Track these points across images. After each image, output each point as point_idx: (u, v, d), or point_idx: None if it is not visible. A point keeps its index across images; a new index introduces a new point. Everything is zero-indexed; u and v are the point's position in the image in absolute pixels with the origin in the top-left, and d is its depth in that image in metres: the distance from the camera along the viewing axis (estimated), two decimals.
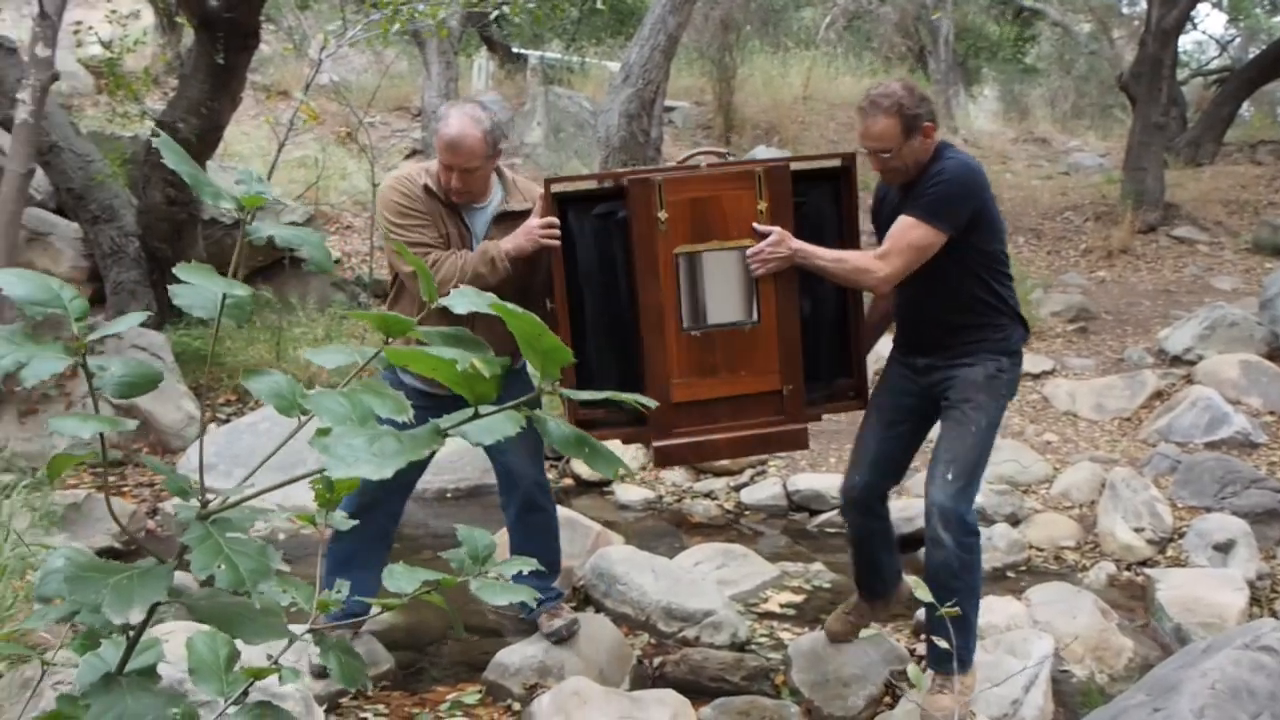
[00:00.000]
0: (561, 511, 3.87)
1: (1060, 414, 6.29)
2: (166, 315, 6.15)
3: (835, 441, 5.74)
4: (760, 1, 16.51)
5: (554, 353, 0.94)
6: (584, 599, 3.98)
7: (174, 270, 1.01)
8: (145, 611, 0.91)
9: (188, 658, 1.15)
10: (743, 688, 3.39)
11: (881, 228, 3.10)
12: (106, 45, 7.31)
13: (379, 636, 3.48)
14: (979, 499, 4.60)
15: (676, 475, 5.57)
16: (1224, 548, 4.38)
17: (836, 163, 3.09)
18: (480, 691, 3.30)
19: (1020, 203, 11.44)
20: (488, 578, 1.18)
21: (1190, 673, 2.31)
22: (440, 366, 0.92)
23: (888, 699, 3.31)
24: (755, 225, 2.90)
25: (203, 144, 6.04)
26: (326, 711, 3.03)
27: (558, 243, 2.91)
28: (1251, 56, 15.75)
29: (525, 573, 1.23)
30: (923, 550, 3.09)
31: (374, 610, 1.20)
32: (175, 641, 1.41)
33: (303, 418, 1.02)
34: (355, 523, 1.42)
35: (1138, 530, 4.62)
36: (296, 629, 1.15)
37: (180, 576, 0.96)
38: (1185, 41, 18.61)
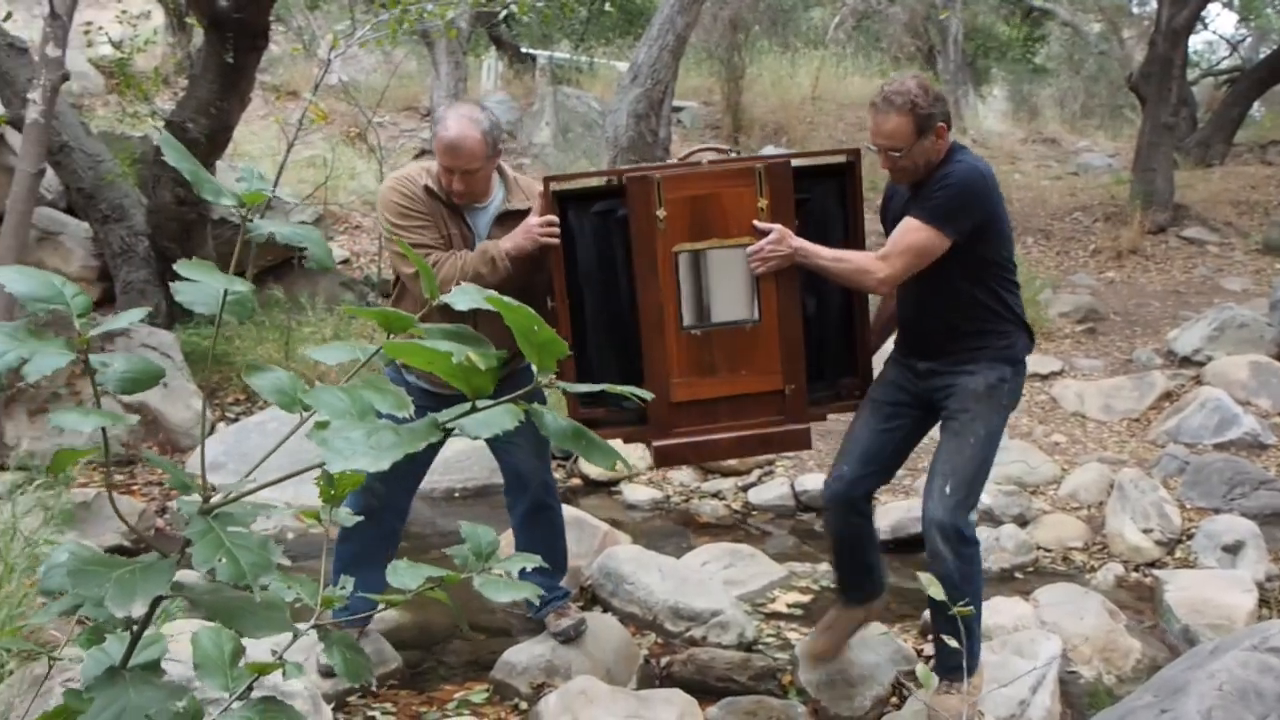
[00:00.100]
0: (569, 511, 3.88)
1: (1068, 415, 6.27)
2: (177, 315, 6.17)
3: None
4: (769, 1, 16.49)
5: (549, 345, 0.94)
6: (591, 598, 3.98)
7: (175, 267, 1.02)
8: (148, 605, 0.92)
9: (193, 653, 1.15)
10: (750, 688, 3.38)
11: (889, 226, 3.04)
12: (117, 45, 7.34)
13: (387, 636, 3.48)
14: (986, 500, 4.59)
15: (684, 475, 5.57)
16: (1233, 549, 4.36)
17: (841, 159, 3.03)
18: (487, 690, 3.31)
19: (1029, 203, 11.41)
20: (491, 574, 1.18)
21: (1198, 674, 2.30)
22: (436, 359, 0.92)
23: (895, 699, 3.30)
24: (756, 223, 2.86)
25: (212, 144, 6.06)
26: (334, 710, 3.04)
27: (557, 241, 2.88)
28: (1262, 57, 15.74)
29: (529, 569, 1.22)
30: (924, 553, 3.06)
31: (379, 606, 1.20)
32: (186, 639, 1.41)
33: (305, 414, 1.02)
34: (361, 519, 1.43)
35: (1146, 531, 4.60)
36: (301, 626, 1.15)
37: (187, 572, 0.96)
38: (1195, 41, 18.54)
